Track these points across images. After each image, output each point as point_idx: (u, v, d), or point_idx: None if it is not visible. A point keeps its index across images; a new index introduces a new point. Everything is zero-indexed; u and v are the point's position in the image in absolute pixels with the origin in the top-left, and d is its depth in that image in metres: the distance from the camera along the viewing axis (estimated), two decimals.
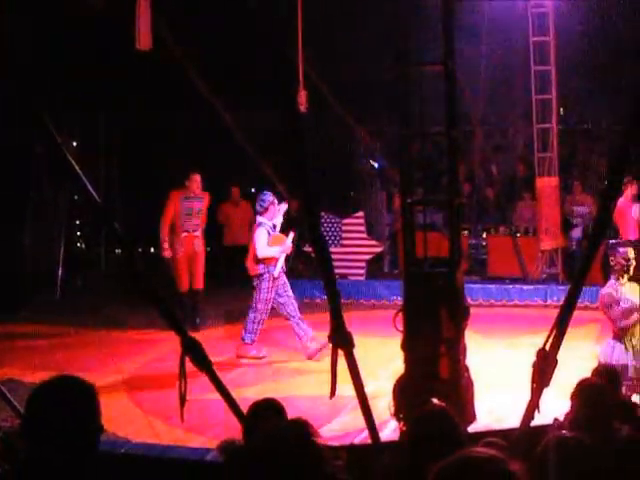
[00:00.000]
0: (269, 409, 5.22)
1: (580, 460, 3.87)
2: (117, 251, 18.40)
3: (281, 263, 12.08)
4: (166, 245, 14.00)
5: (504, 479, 2.26)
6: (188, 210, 14.15)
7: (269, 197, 12.23)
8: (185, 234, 14.12)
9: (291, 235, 12.20)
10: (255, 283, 12.16)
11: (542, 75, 16.26)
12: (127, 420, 9.40)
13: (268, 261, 11.99)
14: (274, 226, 12.28)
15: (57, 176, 17.34)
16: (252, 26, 13.68)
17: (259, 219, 12.18)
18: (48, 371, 7.84)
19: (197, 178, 14.16)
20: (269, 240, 12.01)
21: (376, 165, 19.17)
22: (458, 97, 8.04)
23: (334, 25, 16.08)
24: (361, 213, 17.97)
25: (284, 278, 12.21)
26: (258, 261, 12.03)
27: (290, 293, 12.18)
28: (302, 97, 12.38)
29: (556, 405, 5.92)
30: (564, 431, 4.45)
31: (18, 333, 13.84)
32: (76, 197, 18.70)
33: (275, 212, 12.22)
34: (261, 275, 12.02)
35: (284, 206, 12.45)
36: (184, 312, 13.54)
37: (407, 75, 7.63)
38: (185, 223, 14.13)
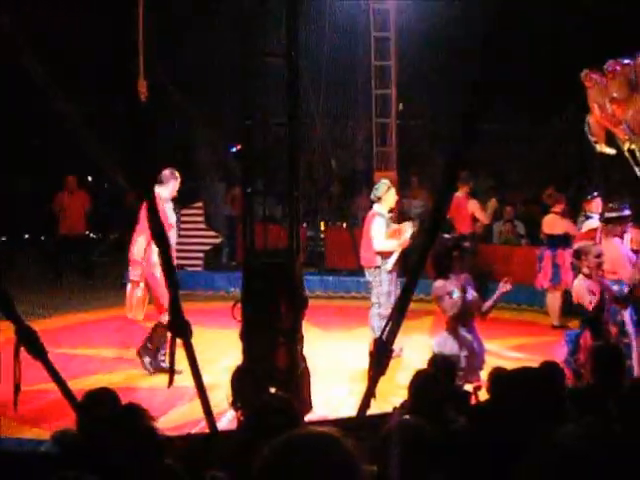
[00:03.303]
0: (103, 398, 5.14)
1: (422, 441, 3.94)
2: None
3: (395, 257, 11.09)
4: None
5: (335, 453, 2.16)
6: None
7: (384, 184, 11.36)
8: None
9: (409, 229, 11.23)
10: (370, 277, 11.28)
11: (382, 70, 16.48)
12: None
13: (385, 254, 11.10)
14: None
15: None
16: (93, 12, 13.44)
17: (375, 208, 11.33)
18: None
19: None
20: (387, 232, 11.14)
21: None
22: (299, 89, 8.07)
23: (179, 13, 15.98)
24: (200, 204, 17.84)
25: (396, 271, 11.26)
26: (375, 253, 11.12)
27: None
28: (142, 86, 12.13)
29: (393, 394, 6.03)
30: (407, 416, 4.54)
31: None
32: None
33: (392, 200, 11.39)
34: (377, 268, 11.09)
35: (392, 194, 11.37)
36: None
37: (250, 65, 7.64)
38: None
